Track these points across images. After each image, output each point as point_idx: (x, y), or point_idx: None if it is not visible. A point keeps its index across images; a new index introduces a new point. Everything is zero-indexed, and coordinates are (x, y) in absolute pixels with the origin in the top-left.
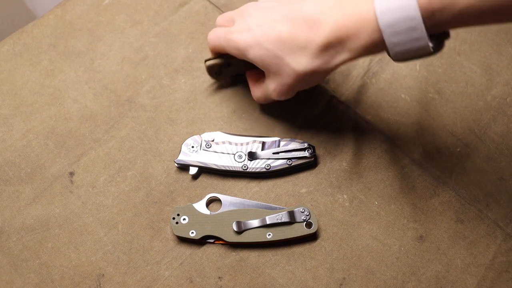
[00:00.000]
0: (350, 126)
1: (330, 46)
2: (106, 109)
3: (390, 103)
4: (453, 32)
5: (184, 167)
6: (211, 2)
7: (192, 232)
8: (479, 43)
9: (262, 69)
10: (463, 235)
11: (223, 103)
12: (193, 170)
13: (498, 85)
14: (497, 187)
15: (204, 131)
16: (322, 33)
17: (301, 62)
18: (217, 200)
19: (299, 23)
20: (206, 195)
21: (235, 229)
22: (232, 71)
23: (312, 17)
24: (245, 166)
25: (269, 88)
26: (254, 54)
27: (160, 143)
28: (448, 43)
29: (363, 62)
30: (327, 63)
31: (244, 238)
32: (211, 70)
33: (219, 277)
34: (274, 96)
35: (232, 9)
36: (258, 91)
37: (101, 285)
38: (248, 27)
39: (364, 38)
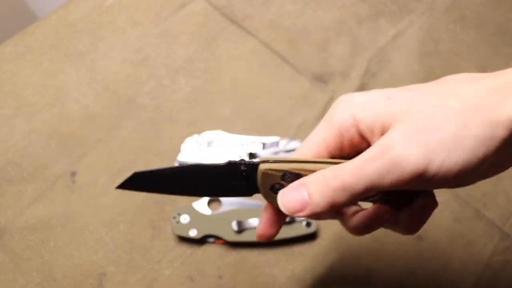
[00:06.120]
0: None
1: None
2: (107, 110)
3: None
4: (451, 33)
5: None
6: (211, 4)
7: (193, 231)
8: (476, 45)
9: None
10: (461, 234)
11: (223, 103)
12: None
13: None
14: (494, 187)
15: (204, 131)
16: None
17: None
18: (217, 200)
19: None
20: None
21: (235, 229)
22: None
23: None
24: None
25: None
26: None
27: (161, 143)
28: (446, 45)
29: (362, 62)
30: None
31: (244, 237)
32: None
33: (220, 276)
34: None
35: (231, 10)
36: None
37: (103, 283)
38: None
39: None
